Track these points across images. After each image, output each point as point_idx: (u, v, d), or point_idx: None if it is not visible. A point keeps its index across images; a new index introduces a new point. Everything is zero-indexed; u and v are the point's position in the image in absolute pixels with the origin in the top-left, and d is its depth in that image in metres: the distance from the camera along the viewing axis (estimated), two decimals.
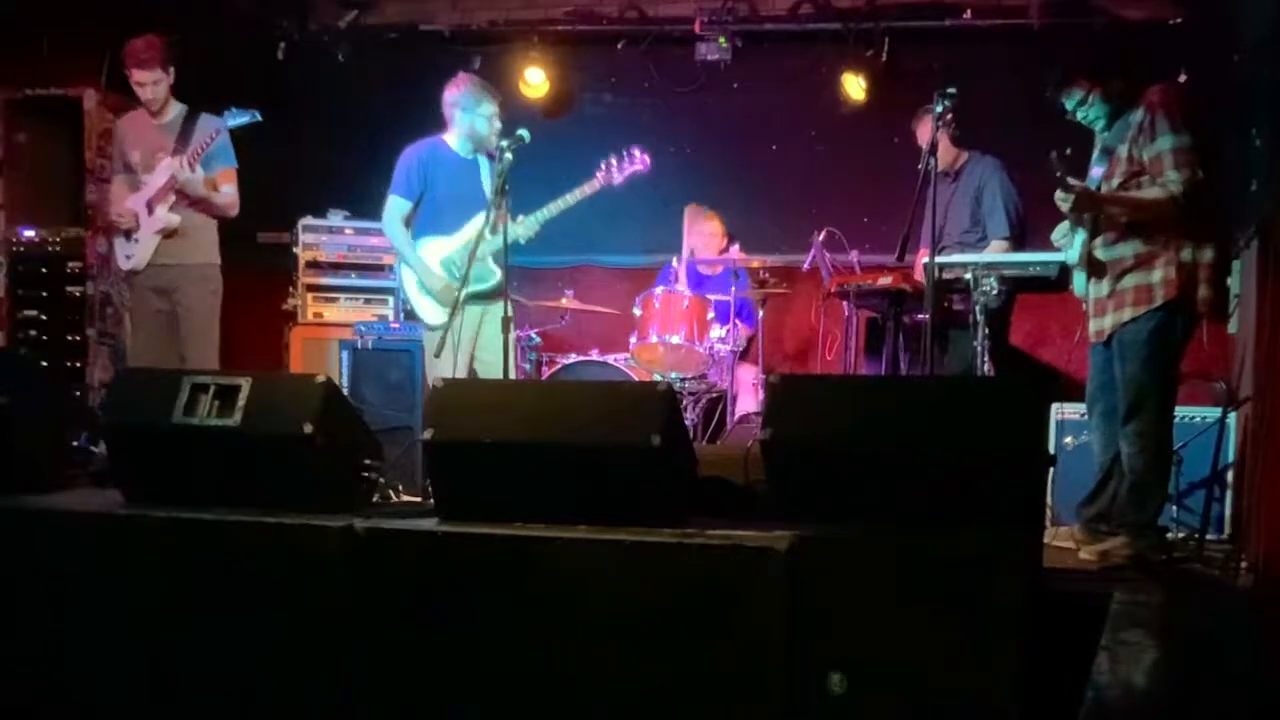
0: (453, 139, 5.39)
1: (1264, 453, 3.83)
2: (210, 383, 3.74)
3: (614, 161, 5.36)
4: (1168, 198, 3.80)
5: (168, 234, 5.39)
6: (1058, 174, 3.91)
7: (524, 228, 5.27)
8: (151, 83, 5.37)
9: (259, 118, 5.39)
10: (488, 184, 5.33)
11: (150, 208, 5.40)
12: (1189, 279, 3.83)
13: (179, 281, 5.41)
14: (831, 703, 3.06)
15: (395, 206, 5.37)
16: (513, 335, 5.33)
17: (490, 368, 5.12)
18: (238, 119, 5.37)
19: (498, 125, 5.30)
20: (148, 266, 5.41)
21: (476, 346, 5.16)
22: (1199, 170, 3.79)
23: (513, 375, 5.31)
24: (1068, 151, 3.97)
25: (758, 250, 6.47)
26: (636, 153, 5.38)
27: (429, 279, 5.25)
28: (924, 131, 5.30)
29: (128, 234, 5.45)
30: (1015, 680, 2.95)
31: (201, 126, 5.42)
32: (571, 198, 5.33)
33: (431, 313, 5.28)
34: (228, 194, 5.52)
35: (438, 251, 5.32)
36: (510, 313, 4.83)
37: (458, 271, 5.15)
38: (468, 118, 5.32)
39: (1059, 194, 3.95)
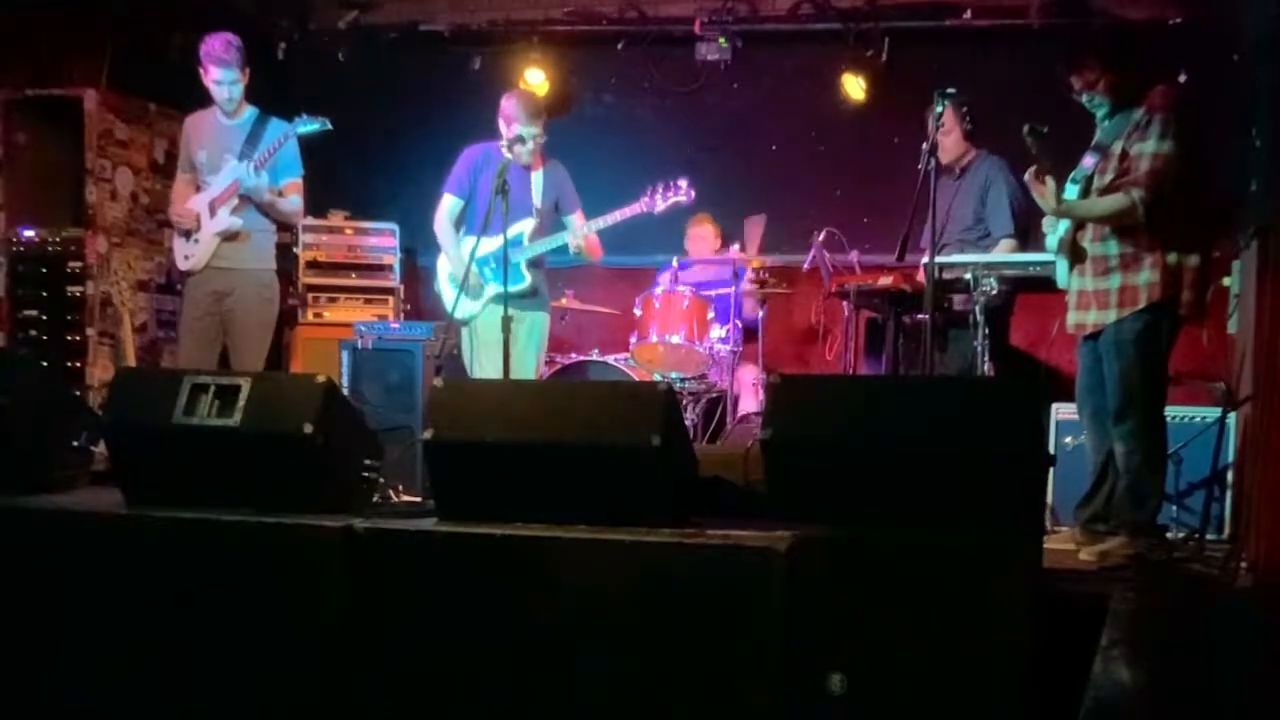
0: (504, 146, 5.45)
1: (1264, 453, 3.83)
2: (210, 383, 3.74)
3: (660, 189, 5.44)
4: (1129, 205, 3.84)
5: (229, 237, 5.38)
6: (1033, 151, 3.97)
7: (540, 246, 5.43)
8: (230, 82, 5.33)
9: (329, 126, 5.40)
10: (535, 192, 5.48)
11: (213, 209, 5.38)
12: (1174, 281, 3.85)
13: (235, 285, 5.41)
14: (831, 703, 3.06)
15: (447, 204, 5.55)
16: (538, 334, 5.44)
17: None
18: (307, 126, 5.37)
19: (531, 146, 5.39)
20: (205, 268, 5.41)
21: (514, 358, 5.16)
22: (1168, 183, 3.81)
23: (532, 375, 5.40)
24: (1044, 129, 4.00)
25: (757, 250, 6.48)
26: (683, 184, 5.45)
27: (459, 273, 5.34)
28: (950, 121, 5.30)
29: (187, 234, 5.45)
30: (1015, 680, 2.95)
31: (271, 131, 5.40)
32: (609, 219, 5.46)
33: (460, 307, 5.36)
34: (294, 203, 5.53)
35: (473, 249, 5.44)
36: (521, 314, 4.90)
37: (489, 272, 5.38)
38: (507, 130, 5.39)
39: (1030, 172, 4.02)
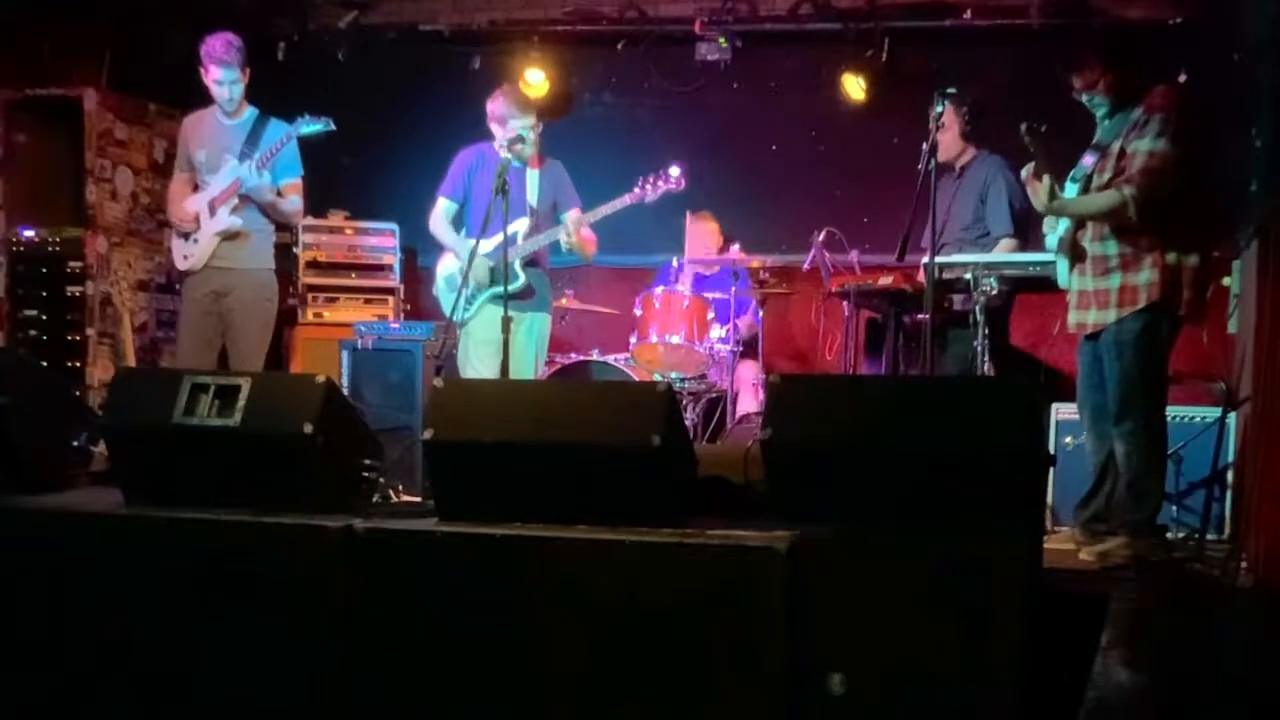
0: (500, 147, 5.45)
1: (1264, 453, 3.83)
2: (210, 383, 3.74)
3: (650, 179, 5.42)
4: (1121, 202, 3.84)
5: (229, 236, 5.39)
6: (1031, 150, 3.98)
7: (532, 244, 5.39)
8: (230, 82, 5.35)
9: (332, 126, 5.42)
10: (531, 192, 5.46)
11: (212, 209, 5.40)
12: (1173, 281, 3.85)
13: (234, 285, 5.43)
14: (831, 703, 3.06)
15: (443, 209, 5.57)
16: (535, 334, 5.43)
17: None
18: (310, 126, 5.38)
19: (530, 137, 5.38)
20: (204, 268, 5.42)
21: (512, 358, 5.08)
22: (1164, 184, 3.82)
23: (530, 375, 5.38)
24: (1042, 128, 4.01)
25: (758, 250, 6.47)
26: (674, 173, 5.42)
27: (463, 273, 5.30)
28: (949, 117, 5.32)
29: (186, 234, 5.46)
30: (1015, 680, 2.95)
31: (271, 131, 5.43)
32: (603, 210, 5.43)
33: (457, 308, 5.34)
34: (293, 203, 5.55)
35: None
36: (520, 314, 4.89)
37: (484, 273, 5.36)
38: (503, 131, 5.39)
39: (1027, 170, 4.04)
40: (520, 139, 5.26)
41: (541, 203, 5.47)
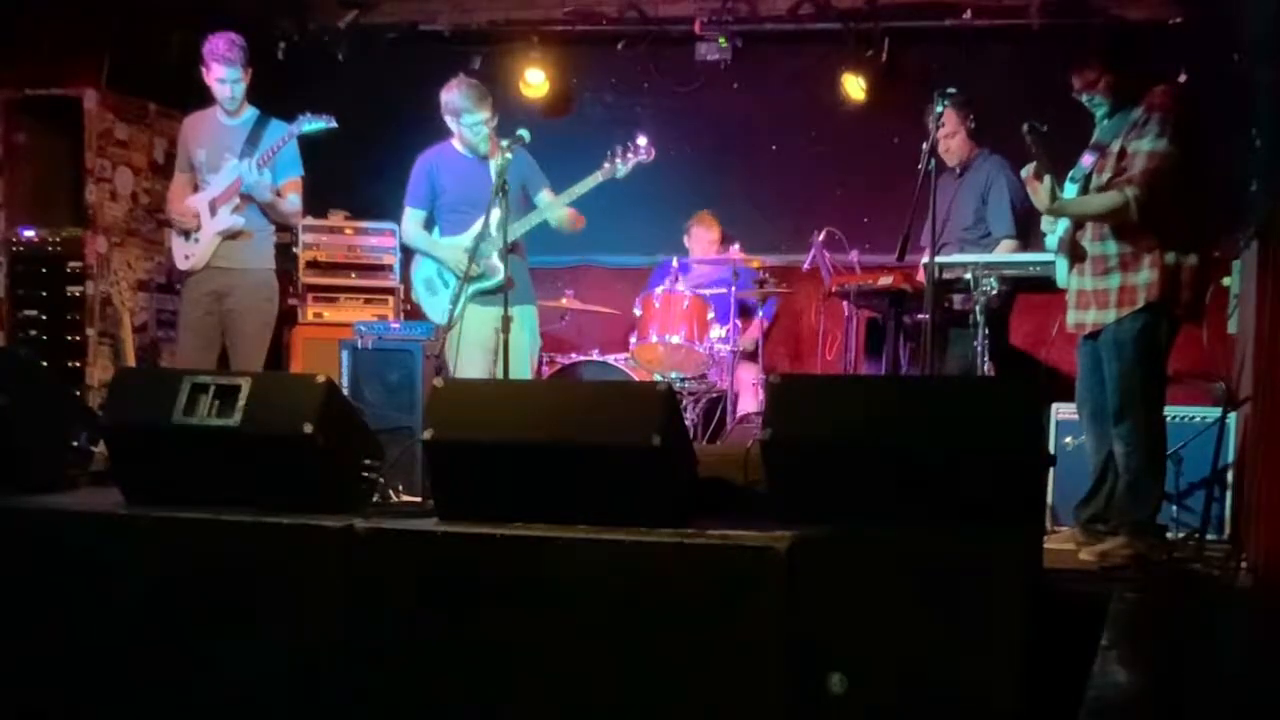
0: (458, 142, 5.43)
1: (1264, 453, 3.83)
2: (210, 383, 3.74)
3: (619, 151, 5.37)
4: (1123, 202, 3.85)
5: (230, 235, 5.39)
6: (1031, 150, 4.00)
7: (513, 231, 5.31)
8: (233, 81, 5.36)
9: (334, 124, 5.41)
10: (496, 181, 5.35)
11: (213, 208, 5.41)
12: (1172, 281, 3.85)
13: (234, 285, 5.43)
14: (831, 703, 3.06)
15: (411, 218, 5.54)
16: (527, 329, 5.38)
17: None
18: (312, 124, 5.39)
19: (485, 132, 5.30)
20: (205, 268, 5.42)
21: (509, 360, 4.93)
22: (1164, 184, 3.82)
23: (528, 375, 5.35)
24: (1043, 128, 4.01)
25: (758, 250, 6.47)
26: (641, 143, 5.37)
27: (458, 265, 5.24)
28: (951, 120, 5.32)
29: (187, 233, 5.46)
30: (1015, 680, 2.95)
31: (272, 131, 5.43)
32: (578, 189, 5.35)
33: (439, 313, 5.32)
34: (293, 203, 5.55)
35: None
36: (509, 311, 4.85)
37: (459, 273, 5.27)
38: (456, 124, 5.37)
39: (1027, 170, 4.06)
40: (521, 138, 5.17)
41: (510, 190, 5.37)
